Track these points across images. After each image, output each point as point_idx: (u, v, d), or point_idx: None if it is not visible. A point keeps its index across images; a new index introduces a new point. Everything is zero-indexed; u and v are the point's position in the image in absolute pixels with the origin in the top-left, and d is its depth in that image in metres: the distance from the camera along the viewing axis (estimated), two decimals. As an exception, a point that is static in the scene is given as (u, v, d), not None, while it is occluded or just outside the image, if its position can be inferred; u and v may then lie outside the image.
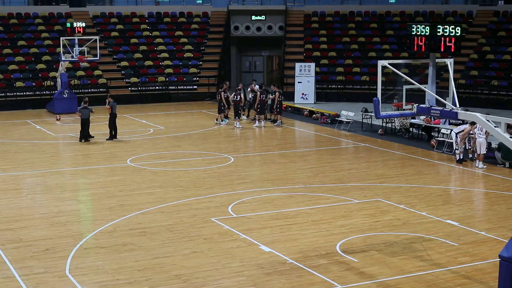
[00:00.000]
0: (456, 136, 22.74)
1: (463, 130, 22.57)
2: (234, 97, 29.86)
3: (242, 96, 30.12)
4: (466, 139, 22.70)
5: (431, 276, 12.68)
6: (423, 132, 27.18)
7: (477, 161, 21.91)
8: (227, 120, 30.99)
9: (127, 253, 13.98)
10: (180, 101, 38.79)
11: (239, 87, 30.86)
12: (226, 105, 30.54)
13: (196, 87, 40.01)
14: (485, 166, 21.76)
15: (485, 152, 21.82)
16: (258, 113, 30.29)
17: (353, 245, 14.42)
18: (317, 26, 43.32)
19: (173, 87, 39.72)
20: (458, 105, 13.28)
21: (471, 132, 22.38)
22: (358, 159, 23.69)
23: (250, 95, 32.12)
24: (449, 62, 13.77)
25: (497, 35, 39.30)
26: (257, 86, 32.16)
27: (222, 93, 30.47)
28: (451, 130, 23.69)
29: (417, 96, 13.68)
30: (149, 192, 18.88)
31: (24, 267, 13.17)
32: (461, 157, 22.58)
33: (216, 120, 31.12)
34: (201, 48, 42.53)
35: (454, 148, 22.96)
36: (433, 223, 15.92)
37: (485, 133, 21.49)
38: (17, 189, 19.60)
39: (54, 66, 37.44)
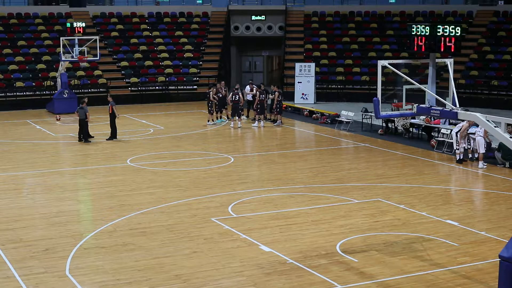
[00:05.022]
0: (457, 135, 22.74)
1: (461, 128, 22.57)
2: (232, 97, 29.81)
3: (240, 95, 30.03)
4: (466, 138, 22.67)
5: (431, 276, 12.68)
6: (423, 132, 27.18)
7: (479, 161, 21.92)
8: (226, 120, 30.98)
9: (127, 253, 13.98)
10: (180, 101, 38.79)
11: (237, 87, 30.83)
12: (218, 105, 30.52)
13: (196, 87, 40.00)
14: (485, 166, 21.76)
15: (484, 151, 21.81)
16: (257, 113, 30.29)
17: (353, 245, 14.42)
18: (317, 26, 43.32)
19: (173, 87, 39.72)
20: (458, 105, 13.28)
21: (471, 131, 22.37)
22: (358, 159, 23.69)
23: (248, 96, 32.10)
24: (449, 62, 13.77)
25: (497, 35, 39.29)
26: (247, 87, 32.16)
27: (211, 93, 30.35)
28: (451, 130, 23.69)
29: (417, 96, 13.68)
30: (149, 192, 18.87)
31: (24, 267, 13.17)
32: (461, 157, 22.58)
33: (208, 121, 30.95)
34: (201, 48, 42.54)
35: (454, 148, 22.96)
36: (433, 223, 15.92)
37: (484, 132, 21.49)
38: (17, 189, 19.60)
39: (54, 66, 37.44)
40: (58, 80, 34.88)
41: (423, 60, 14.04)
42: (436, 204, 17.57)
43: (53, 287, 12.28)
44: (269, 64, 48.97)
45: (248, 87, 32.50)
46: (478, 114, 12.34)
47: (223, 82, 32.73)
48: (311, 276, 12.65)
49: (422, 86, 13.44)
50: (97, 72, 38.94)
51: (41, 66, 38.38)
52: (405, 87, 13.56)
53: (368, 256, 13.69)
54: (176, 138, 27.46)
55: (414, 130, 27.51)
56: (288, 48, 42.42)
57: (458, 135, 22.54)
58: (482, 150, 21.75)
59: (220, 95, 30.67)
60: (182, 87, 39.84)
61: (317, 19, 43.81)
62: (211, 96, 30.37)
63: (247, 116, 32.30)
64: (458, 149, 22.58)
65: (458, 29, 12.98)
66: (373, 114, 22.14)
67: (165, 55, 41.56)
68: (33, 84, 37.04)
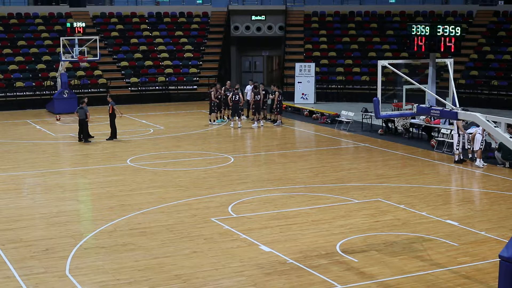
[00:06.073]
0: (459, 136, 22.71)
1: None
2: (232, 97, 29.81)
3: (240, 95, 30.03)
4: (467, 138, 22.66)
5: (431, 276, 12.68)
6: (423, 132, 27.18)
7: (477, 159, 21.94)
8: (227, 120, 30.96)
9: (127, 253, 13.98)
10: (180, 101, 38.79)
11: (237, 87, 30.81)
12: (224, 105, 30.61)
13: (196, 87, 40.00)
14: (485, 165, 21.75)
15: (479, 148, 21.77)
16: (253, 113, 30.32)
17: (353, 245, 14.42)
18: (317, 26, 43.32)
19: (173, 87, 39.72)
20: (458, 105, 13.28)
21: (471, 131, 22.36)
22: (358, 159, 23.68)
23: (248, 96, 32.08)
24: (449, 62, 13.77)
25: (497, 35, 39.31)
26: (248, 87, 32.11)
27: (212, 93, 30.39)
28: (451, 130, 23.69)
29: (417, 96, 13.67)
30: (149, 192, 18.88)
31: (24, 267, 13.17)
32: (461, 157, 22.57)
33: (210, 120, 30.99)
34: (201, 48, 42.53)
35: (454, 148, 22.94)
36: (433, 223, 15.92)
37: (482, 129, 21.50)
38: (17, 189, 19.60)
39: (54, 66, 37.43)
40: (58, 80, 34.89)
41: (423, 60, 14.03)
42: (436, 204, 17.57)
43: (53, 287, 12.28)
44: (269, 64, 48.95)
45: (249, 87, 32.46)
46: (478, 114, 12.33)
47: (228, 82, 32.59)
48: (311, 276, 12.65)
49: (422, 86, 13.44)
50: (97, 72, 38.93)
51: (41, 66, 38.37)
52: (405, 87, 13.56)
53: (368, 256, 13.69)
54: (176, 138, 27.46)
55: (414, 130, 27.50)
56: (288, 48, 42.42)
57: (458, 131, 22.50)
58: (477, 147, 21.74)
59: (220, 96, 30.67)
60: (182, 87, 39.83)
61: (317, 19, 43.81)
62: (212, 96, 30.40)
63: (247, 116, 32.29)
64: (458, 149, 22.57)
65: (458, 29, 12.98)
66: (373, 114, 22.14)
67: (165, 55, 41.56)
68: (33, 84, 37.02)
